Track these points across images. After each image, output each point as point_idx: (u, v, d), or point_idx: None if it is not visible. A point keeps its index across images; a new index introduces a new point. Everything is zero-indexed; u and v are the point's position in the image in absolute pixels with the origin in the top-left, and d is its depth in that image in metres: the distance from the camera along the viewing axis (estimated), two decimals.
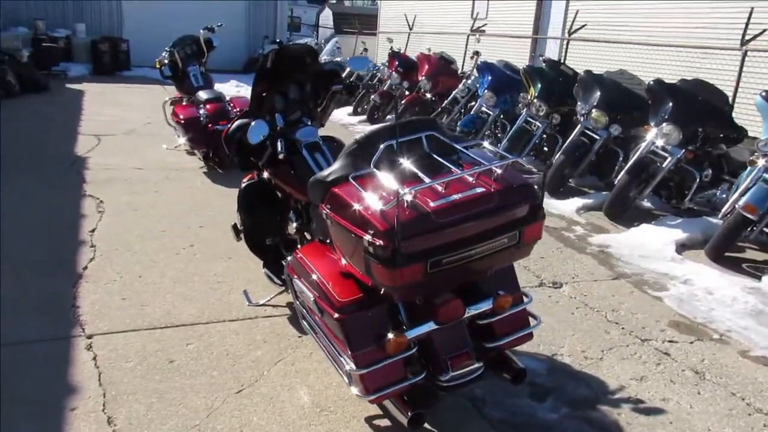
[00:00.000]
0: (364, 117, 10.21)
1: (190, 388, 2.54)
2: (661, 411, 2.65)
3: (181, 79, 6.89)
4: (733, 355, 3.20)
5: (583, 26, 9.05)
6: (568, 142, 6.23)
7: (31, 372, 2.58)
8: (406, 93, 9.52)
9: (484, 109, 7.63)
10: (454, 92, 8.37)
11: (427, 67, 9.05)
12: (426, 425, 2.43)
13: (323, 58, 13.00)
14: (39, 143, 6.91)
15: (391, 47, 10.90)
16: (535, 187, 2.07)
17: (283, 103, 3.25)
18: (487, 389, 2.70)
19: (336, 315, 2.08)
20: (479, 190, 1.95)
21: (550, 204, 5.84)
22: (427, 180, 1.90)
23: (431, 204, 1.87)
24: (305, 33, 22.45)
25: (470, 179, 1.99)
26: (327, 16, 20.13)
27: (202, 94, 6.23)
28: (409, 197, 1.83)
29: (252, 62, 16.92)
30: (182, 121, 5.98)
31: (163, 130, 7.39)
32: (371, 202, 1.88)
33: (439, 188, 1.93)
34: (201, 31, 7.10)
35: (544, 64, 7.21)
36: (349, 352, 2.07)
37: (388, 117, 9.79)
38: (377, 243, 1.80)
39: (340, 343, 2.13)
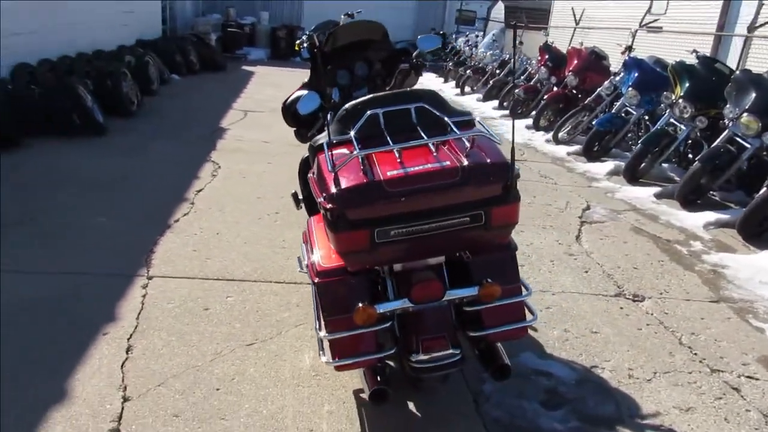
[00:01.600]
0: (507, 111, 9.95)
1: (210, 335, 2.73)
2: None
3: None
4: None
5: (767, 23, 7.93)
6: (709, 148, 5.54)
7: (87, 298, 2.96)
8: (554, 88, 9.10)
9: (627, 108, 7.05)
10: (599, 89, 7.82)
11: (576, 61, 8.55)
12: (413, 409, 2.38)
13: (480, 50, 12.86)
14: (194, 113, 7.75)
15: (546, 41, 10.44)
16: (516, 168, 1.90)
17: (349, 78, 3.32)
18: (497, 387, 2.55)
19: (316, 280, 2.11)
20: (444, 163, 1.84)
21: (674, 215, 5.25)
22: (390, 146, 1.85)
23: (388, 173, 1.82)
24: (478, 27, 22.26)
25: (440, 151, 1.89)
26: (499, 10, 19.79)
27: None
28: (360, 157, 1.80)
29: None
30: None
31: None
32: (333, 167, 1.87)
33: (402, 158, 1.86)
34: (341, 16, 7.40)
35: (696, 61, 6.45)
36: (323, 318, 2.09)
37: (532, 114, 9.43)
38: (327, 206, 1.80)
39: (318, 309, 2.15)
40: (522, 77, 10.57)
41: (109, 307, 2.87)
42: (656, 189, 5.95)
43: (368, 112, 2.04)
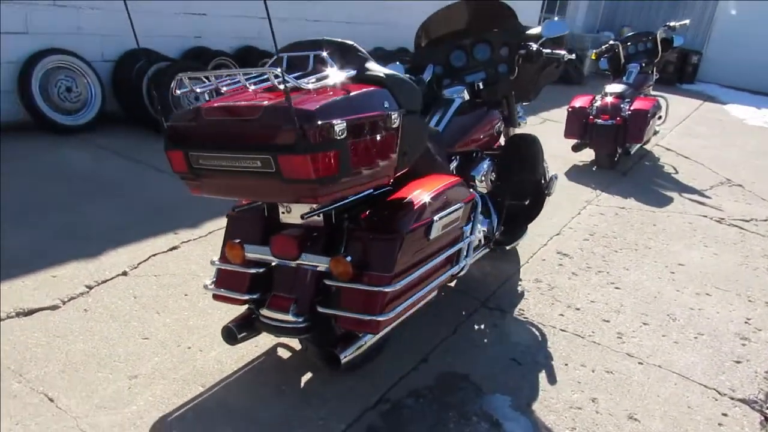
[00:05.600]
0: None
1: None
2: None
3: (620, 75, 6.58)
4: None
5: None
6: None
7: (196, 208, 3.55)
8: None
9: None
10: None
11: None
12: (303, 381, 2.26)
13: None
14: None
15: None
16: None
17: (465, 60, 3.15)
18: (417, 405, 2.20)
19: (229, 212, 2.24)
20: (262, 102, 1.71)
21: None
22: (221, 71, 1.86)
23: (218, 101, 1.81)
24: None
25: (281, 94, 1.76)
26: None
27: (611, 87, 5.90)
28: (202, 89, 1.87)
29: None
30: (569, 109, 5.85)
31: None
32: None
33: (245, 95, 1.84)
34: (661, 28, 6.57)
35: None
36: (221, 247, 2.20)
37: None
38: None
39: None
40: None
41: (201, 219, 3.44)
42: None
43: (275, 57, 2.05)
